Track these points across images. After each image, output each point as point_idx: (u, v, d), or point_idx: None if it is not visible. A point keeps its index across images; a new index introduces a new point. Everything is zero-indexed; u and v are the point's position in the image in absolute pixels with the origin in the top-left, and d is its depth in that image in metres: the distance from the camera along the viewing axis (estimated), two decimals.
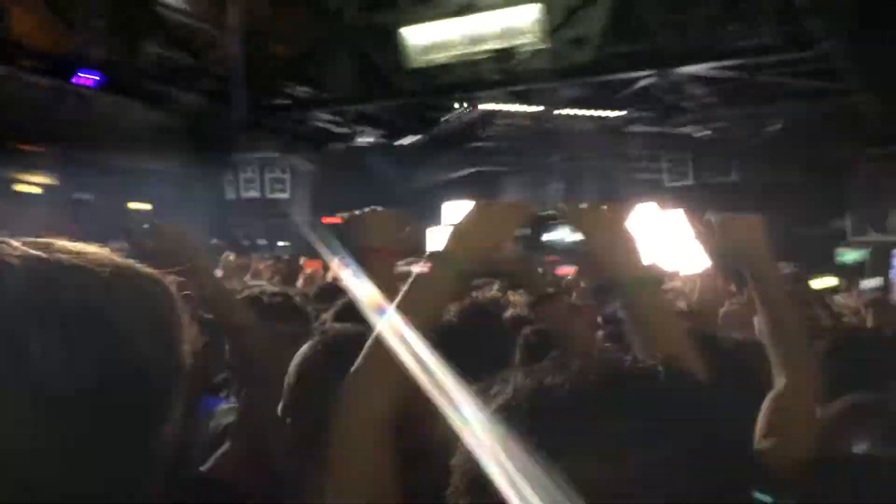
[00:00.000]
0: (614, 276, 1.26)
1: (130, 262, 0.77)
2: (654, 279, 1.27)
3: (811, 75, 10.65)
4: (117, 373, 0.70)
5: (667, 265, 3.45)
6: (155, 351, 0.73)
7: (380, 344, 1.16)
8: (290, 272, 6.60)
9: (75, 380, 0.67)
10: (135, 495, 0.72)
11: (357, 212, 1.77)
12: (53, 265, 0.70)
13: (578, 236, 1.30)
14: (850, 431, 1.58)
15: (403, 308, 1.23)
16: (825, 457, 1.52)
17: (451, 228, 1.29)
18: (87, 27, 11.25)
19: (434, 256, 1.25)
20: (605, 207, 1.34)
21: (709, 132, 14.00)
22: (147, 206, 12.47)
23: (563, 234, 1.42)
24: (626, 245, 1.27)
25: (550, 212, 1.39)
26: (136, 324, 0.72)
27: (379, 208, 1.75)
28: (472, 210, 1.29)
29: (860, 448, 1.50)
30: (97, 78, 10.86)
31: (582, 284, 8.76)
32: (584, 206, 1.35)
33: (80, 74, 10.89)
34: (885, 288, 9.53)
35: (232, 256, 6.73)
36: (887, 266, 10.59)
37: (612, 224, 1.29)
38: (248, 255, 8.72)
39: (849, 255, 12.13)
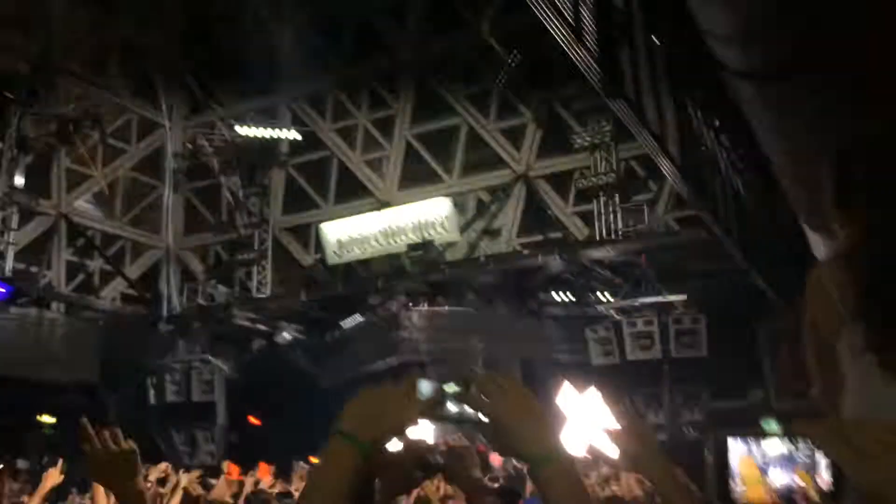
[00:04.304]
0: (520, 451, 1.21)
1: None
2: (562, 456, 1.19)
3: (708, 257, 11.22)
4: None
5: (602, 448, 3.35)
6: None
7: None
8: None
9: None
10: None
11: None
12: None
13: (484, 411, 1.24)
14: None
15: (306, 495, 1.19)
16: None
17: (349, 408, 1.27)
18: None
19: (338, 436, 1.22)
20: (505, 379, 1.27)
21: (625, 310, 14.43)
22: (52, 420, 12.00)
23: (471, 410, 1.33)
24: (530, 417, 1.22)
25: (457, 389, 1.32)
26: None
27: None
28: (367, 394, 1.29)
29: None
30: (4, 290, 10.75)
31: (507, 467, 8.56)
32: (484, 378, 1.27)
33: None
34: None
35: (163, 465, 6.38)
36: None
37: (515, 396, 1.24)
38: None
39: (774, 425, 12.18)
